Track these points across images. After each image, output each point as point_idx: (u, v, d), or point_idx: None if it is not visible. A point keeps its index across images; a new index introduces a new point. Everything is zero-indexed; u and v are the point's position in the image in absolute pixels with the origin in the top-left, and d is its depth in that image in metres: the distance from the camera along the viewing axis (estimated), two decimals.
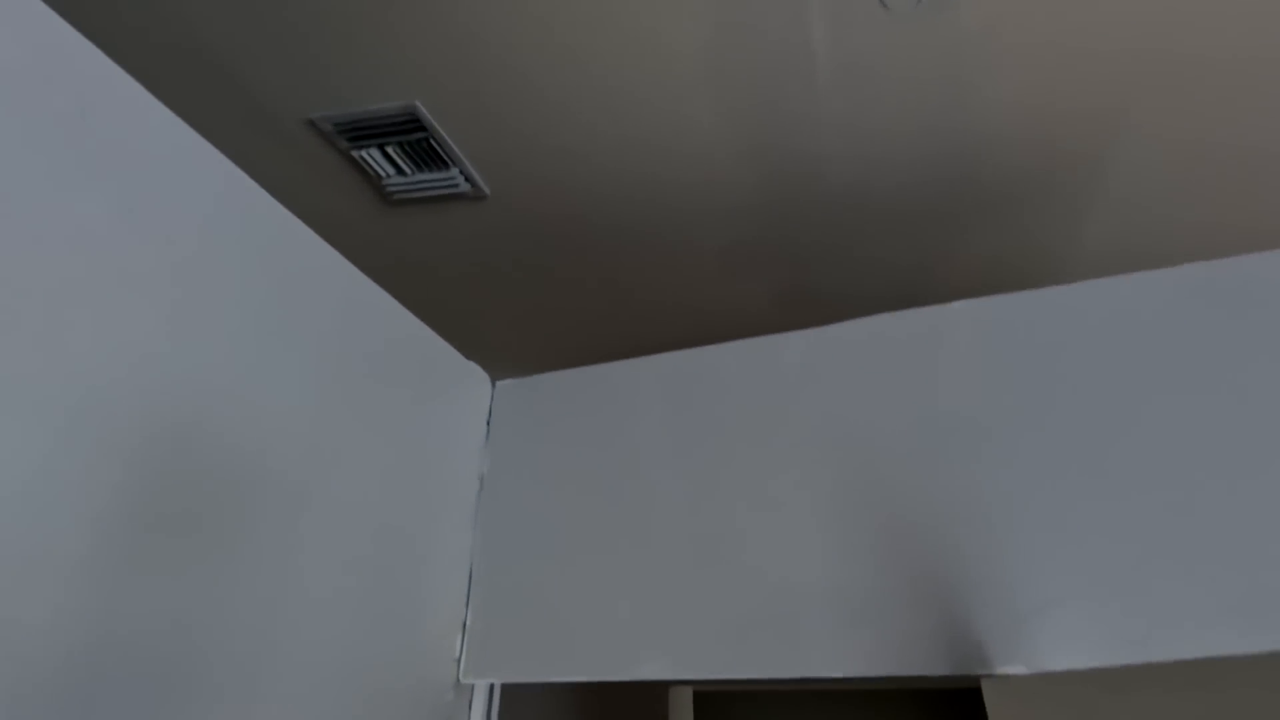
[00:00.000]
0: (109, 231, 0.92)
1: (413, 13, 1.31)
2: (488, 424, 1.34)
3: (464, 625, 1.19)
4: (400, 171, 1.71)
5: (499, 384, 1.39)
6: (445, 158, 1.65)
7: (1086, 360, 1.06)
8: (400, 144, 1.62)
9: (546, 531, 1.20)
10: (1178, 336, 1.03)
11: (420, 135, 1.59)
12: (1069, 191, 1.68)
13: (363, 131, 1.59)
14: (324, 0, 1.30)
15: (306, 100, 1.52)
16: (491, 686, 1.21)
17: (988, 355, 1.09)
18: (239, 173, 1.04)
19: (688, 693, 3.11)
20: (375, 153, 1.65)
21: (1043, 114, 1.47)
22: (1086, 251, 1.85)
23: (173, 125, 0.99)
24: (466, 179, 1.71)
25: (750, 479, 1.12)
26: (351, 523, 1.13)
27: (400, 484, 1.21)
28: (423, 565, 1.24)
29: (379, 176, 1.72)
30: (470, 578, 1.23)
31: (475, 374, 1.38)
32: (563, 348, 2.26)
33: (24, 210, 0.85)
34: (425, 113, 1.53)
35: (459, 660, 1.16)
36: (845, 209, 1.77)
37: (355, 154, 1.65)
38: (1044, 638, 0.93)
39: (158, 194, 0.96)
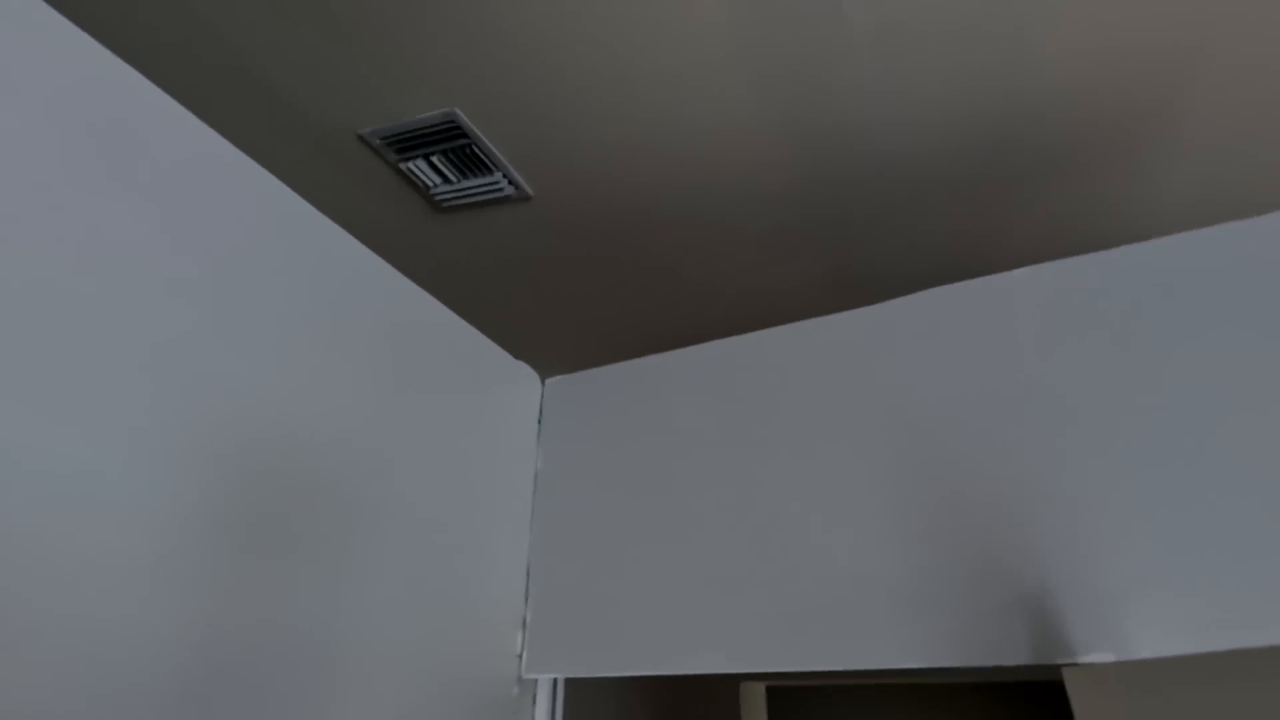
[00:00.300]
0: (152, 247, 0.97)
1: (444, 20, 1.33)
2: (539, 422, 1.35)
3: (524, 621, 1.20)
4: (446, 180, 1.74)
5: (548, 381, 1.40)
6: (488, 163, 1.68)
7: (1171, 322, 0.98)
8: (444, 152, 1.66)
9: (601, 526, 1.20)
10: (1271, 291, 0.94)
11: (462, 142, 1.62)
12: (1140, 143, 1.56)
13: (409, 142, 1.63)
14: (362, 18, 1.33)
15: (356, 116, 1.57)
16: (555, 681, 1.21)
17: (1062, 322, 1.02)
18: (283, 187, 1.07)
19: (760, 689, 3.06)
20: (422, 163, 1.69)
21: (1107, 60, 1.38)
22: (1164, 205, 1.72)
23: (216, 143, 1.04)
24: (510, 182, 1.73)
25: (805, 465, 1.08)
26: (412, 524, 1.16)
27: (457, 485, 1.23)
28: (482, 564, 1.26)
29: (427, 186, 1.76)
30: (528, 574, 1.24)
31: (525, 373, 1.40)
32: (613, 342, 2.27)
33: (75, 230, 0.90)
34: (464, 119, 1.55)
35: (521, 656, 1.18)
36: (894, 180, 1.71)
37: (403, 166, 1.70)
38: (1131, 622, 0.86)
39: (200, 209, 1.00)
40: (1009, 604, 0.92)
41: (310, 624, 1.02)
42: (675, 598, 1.09)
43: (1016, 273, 1.08)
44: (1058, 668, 0.88)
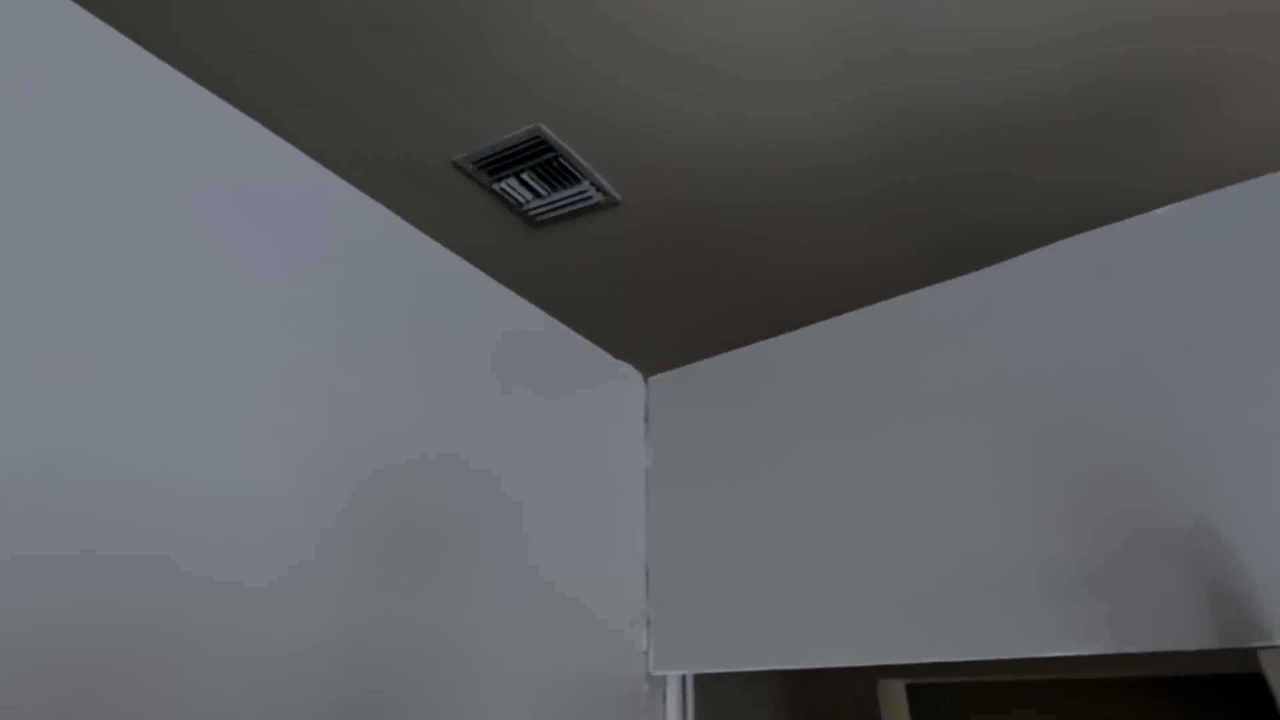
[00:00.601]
0: (277, 278, 1.05)
1: (519, 38, 1.38)
2: (645, 420, 1.36)
3: (648, 619, 1.21)
4: (537, 194, 1.80)
5: (652, 379, 1.41)
6: (575, 173, 1.71)
7: None
8: (533, 168, 1.71)
9: (718, 519, 1.19)
10: None
11: (549, 156, 1.66)
12: None
13: (499, 162, 1.69)
14: (443, 50, 1.40)
15: (448, 144, 1.65)
16: (684, 678, 1.21)
17: (1222, 261, 0.90)
18: (391, 215, 1.14)
19: (899, 686, 2.92)
20: (513, 181, 1.75)
21: None
22: None
23: (330, 181, 1.12)
24: (597, 189, 1.76)
25: (928, 442, 1.02)
26: (533, 531, 1.19)
27: (572, 489, 1.26)
28: (602, 564, 1.28)
29: (520, 203, 1.82)
30: (647, 572, 1.24)
31: (627, 373, 1.41)
32: (713, 335, 2.25)
33: (217, 268, 1.00)
34: (549, 132, 1.59)
35: (647, 653, 1.18)
36: (996, 136, 1.59)
37: (496, 186, 1.76)
38: None
39: (319, 242, 1.08)
40: (1188, 583, 0.82)
41: (447, 632, 1.07)
42: (802, 589, 1.06)
43: (1157, 213, 0.98)
44: (1250, 652, 0.78)
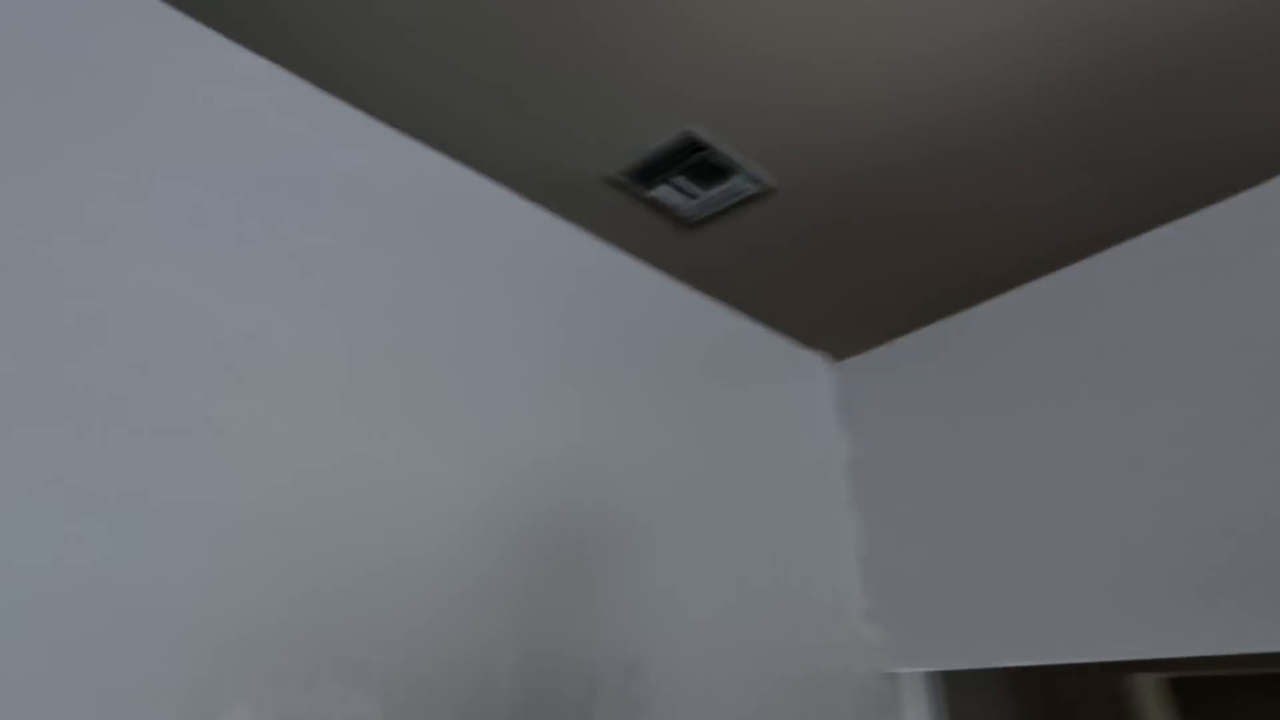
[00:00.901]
0: (492, 306, 1.13)
1: (661, 45, 1.39)
2: (840, 407, 1.30)
3: (870, 613, 1.15)
4: (691, 196, 1.80)
5: (844, 364, 1.35)
6: (727, 168, 1.70)
7: None
8: (685, 171, 1.72)
9: (938, 502, 1.11)
10: None
11: (700, 156, 1.66)
12: None
13: (652, 171, 1.72)
14: (591, 70, 1.44)
15: (601, 162, 1.70)
16: (926, 676, 1.13)
17: None
18: (566, 225, 1.19)
19: (1156, 680, 2.57)
20: (665, 188, 1.77)
21: None
22: None
23: (528, 210, 1.18)
24: (751, 179, 1.73)
25: (1174, 403, 0.88)
26: (731, 528, 1.18)
27: (769, 482, 1.23)
28: (808, 558, 1.23)
29: (675, 208, 1.83)
30: (863, 564, 1.18)
31: (812, 360, 1.36)
32: (900, 309, 2.12)
33: (447, 309, 1.09)
34: (698, 133, 1.59)
35: (878, 650, 1.12)
36: (1208, 48, 1.36)
37: (650, 195, 1.79)
38: None
39: (488, 254, 1.15)
40: None
41: (679, 636, 1.08)
42: (1048, 578, 0.95)
43: None
44: None
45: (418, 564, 0.97)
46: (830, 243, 1.97)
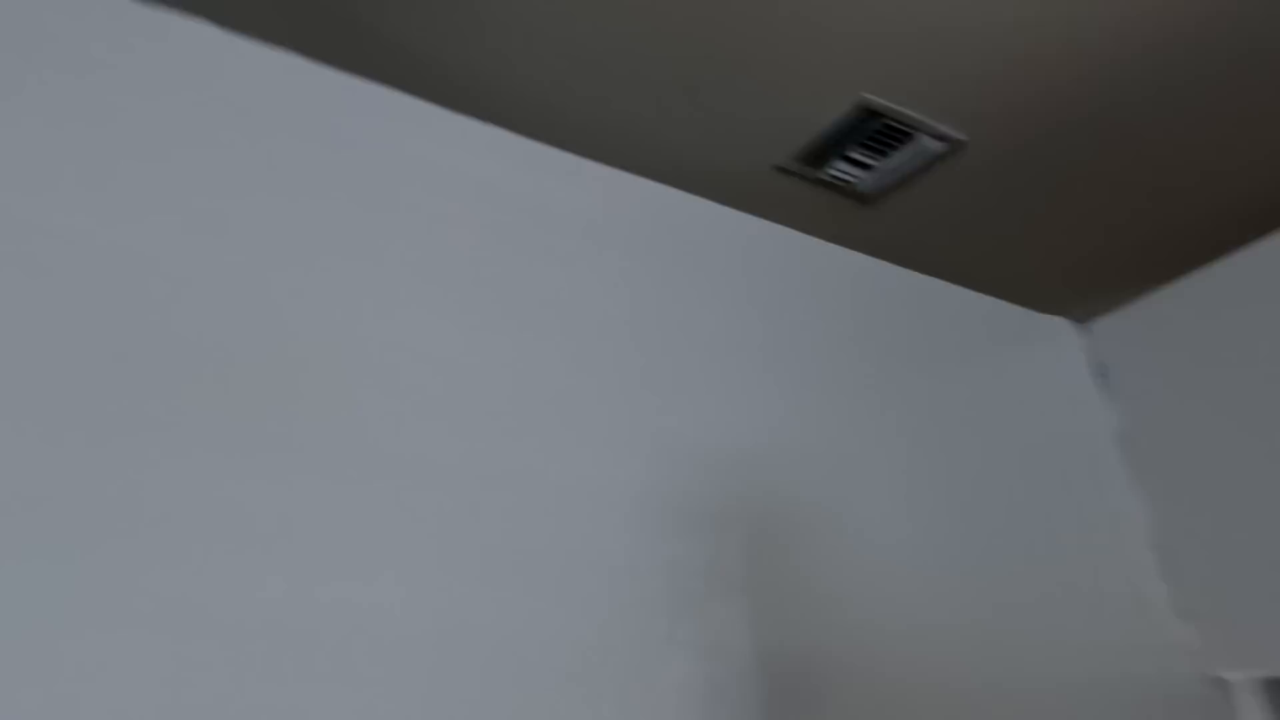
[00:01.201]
0: (577, 295, 1.12)
1: (828, 13, 1.30)
2: (1094, 374, 1.14)
3: (1182, 610, 0.98)
4: (867, 168, 1.68)
5: (1095, 324, 1.18)
6: (908, 130, 1.57)
7: None
8: (860, 143, 1.61)
9: (1232, 475, 0.92)
10: None
11: (877, 124, 1.55)
12: None
13: (824, 149, 1.62)
14: (757, 54, 1.39)
15: (766, 152, 1.64)
16: (1263, 681, 0.95)
17: None
18: (745, 216, 1.14)
19: None
20: (840, 164, 1.67)
21: None
22: None
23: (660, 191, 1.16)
24: (937, 138, 1.58)
25: None
26: (984, 519, 1.06)
27: (1026, 464, 1.10)
28: (1092, 549, 1.08)
29: (851, 183, 1.72)
30: (1158, 553, 1.02)
31: (1056, 325, 1.21)
32: (1143, 264, 1.84)
33: (522, 292, 1.08)
34: (874, 99, 1.48)
35: (1198, 652, 0.96)
36: None
37: (823, 175, 1.70)
38: None
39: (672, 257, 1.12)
40: None
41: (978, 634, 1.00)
42: None
43: None
44: None
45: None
46: (1038, 196, 1.75)
